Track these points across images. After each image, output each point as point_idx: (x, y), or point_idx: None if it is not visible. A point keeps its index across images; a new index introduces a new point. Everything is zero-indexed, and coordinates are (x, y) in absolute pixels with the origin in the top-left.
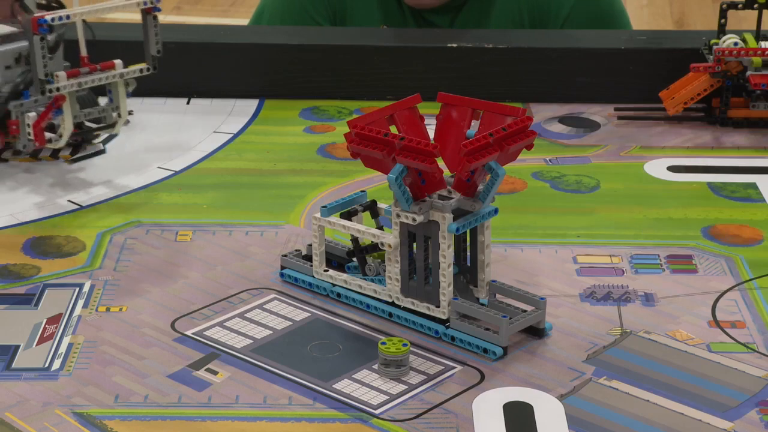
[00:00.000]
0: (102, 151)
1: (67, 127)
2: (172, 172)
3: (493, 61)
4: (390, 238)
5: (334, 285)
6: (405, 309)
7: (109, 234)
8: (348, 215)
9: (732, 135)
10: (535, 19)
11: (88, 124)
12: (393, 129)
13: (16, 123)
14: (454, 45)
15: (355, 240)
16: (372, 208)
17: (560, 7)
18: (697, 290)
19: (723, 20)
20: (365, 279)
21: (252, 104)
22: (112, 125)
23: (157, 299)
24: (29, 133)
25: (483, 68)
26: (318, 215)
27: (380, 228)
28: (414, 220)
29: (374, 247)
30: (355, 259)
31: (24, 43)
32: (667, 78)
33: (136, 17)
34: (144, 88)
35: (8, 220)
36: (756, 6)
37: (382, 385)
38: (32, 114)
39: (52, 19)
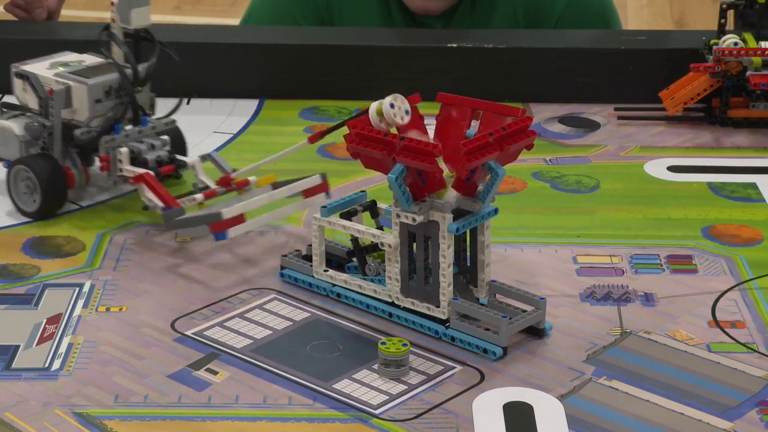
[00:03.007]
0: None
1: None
2: None
3: (492, 61)
4: (390, 238)
5: (334, 285)
6: (405, 309)
7: (109, 234)
8: (348, 215)
9: (732, 135)
10: (530, 18)
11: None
12: (392, 129)
13: (107, 159)
14: (454, 45)
15: (355, 240)
16: (372, 208)
17: (554, 5)
18: (697, 290)
19: (723, 20)
20: (365, 279)
21: (252, 104)
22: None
23: (157, 299)
24: (120, 170)
25: (483, 68)
26: (318, 215)
27: (380, 228)
28: (414, 220)
29: (374, 247)
30: (355, 259)
31: (113, 75)
32: (667, 78)
33: None
34: None
35: (8, 220)
36: (756, 6)
37: (382, 385)
38: (124, 149)
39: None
